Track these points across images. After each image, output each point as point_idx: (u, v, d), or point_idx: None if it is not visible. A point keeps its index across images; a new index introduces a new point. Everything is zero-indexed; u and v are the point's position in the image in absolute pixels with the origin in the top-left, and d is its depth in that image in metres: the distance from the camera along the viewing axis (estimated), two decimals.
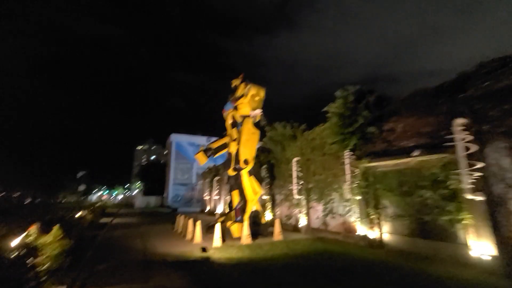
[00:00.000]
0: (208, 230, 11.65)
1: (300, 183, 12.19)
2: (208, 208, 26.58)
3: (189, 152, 41.92)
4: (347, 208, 9.82)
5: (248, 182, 11.72)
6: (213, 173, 25.77)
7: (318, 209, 11.42)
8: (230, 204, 13.06)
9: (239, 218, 11.50)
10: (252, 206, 11.47)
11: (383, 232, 8.44)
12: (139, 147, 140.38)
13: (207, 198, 27.07)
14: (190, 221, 11.30)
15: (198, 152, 13.57)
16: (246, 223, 10.08)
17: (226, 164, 13.08)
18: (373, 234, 8.59)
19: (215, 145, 13.71)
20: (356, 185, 8.98)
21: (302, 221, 12.01)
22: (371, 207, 8.68)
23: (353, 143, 8.45)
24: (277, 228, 10.55)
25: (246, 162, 11.80)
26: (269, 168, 14.91)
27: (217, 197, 23.99)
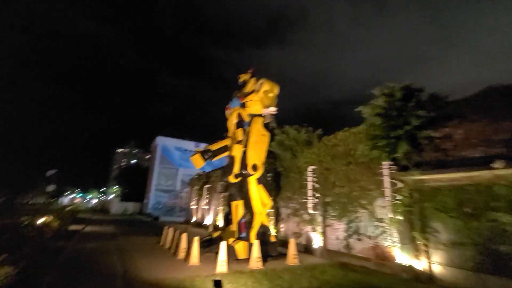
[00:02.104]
0: (201, 246, 9.64)
1: (316, 195, 10.44)
2: (194, 219, 24.14)
3: (175, 156, 39.36)
4: (380, 230, 8.13)
5: (257, 192, 9.85)
6: (202, 180, 23.54)
7: (338, 228, 9.66)
8: (227, 216, 11.07)
9: (243, 234, 9.54)
10: (260, 220, 9.56)
11: (432, 262, 6.79)
12: (119, 150, 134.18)
13: (194, 207, 24.66)
14: (184, 236, 9.19)
15: (195, 154, 11.61)
16: (256, 242, 8.14)
17: (227, 170, 11.17)
18: (419, 264, 6.91)
19: (214, 147, 11.79)
20: (398, 201, 7.34)
21: (317, 242, 10.18)
22: (417, 230, 7.05)
23: (403, 149, 6.85)
24: (292, 249, 8.66)
25: (254, 167, 9.97)
26: (274, 176, 13.10)
27: (206, 207, 21.72)
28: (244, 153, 10.43)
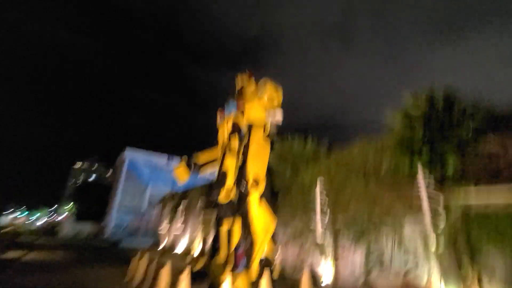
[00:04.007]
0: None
1: (326, 218, 8.95)
2: (163, 244, 21.15)
3: (144, 173, 35.77)
4: (413, 261, 6.78)
5: (259, 213, 8.12)
6: (177, 199, 21.02)
7: (354, 259, 8.17)
8: (214, 244, 9.09)
9: (241, 267, 7.61)
10: (263, 249, 7.76)
11: None
12: (77, 165, 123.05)
13: (164, 231, 21.73)
14: (167, 271, 7.03)
15: (179, 166, 9.75)
16: (266, 280, 6.30)
17: (217, 186, 9.38)
18: None
19: (202, 159, 10.04)
20: (440, 227, 6.10)
21: (326, 275, 8.53)
22: (466, 262, 5.81)
23: (454, 165, 5.74)
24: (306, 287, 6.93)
25: (256, 184, 8.30)
26: (270, 195, 11.43)
27: (179, 231, 19.07)
28: (242, 166, 8.79)
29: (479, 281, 5.66)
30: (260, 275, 7.15)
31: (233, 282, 6.92)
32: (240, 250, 7.79)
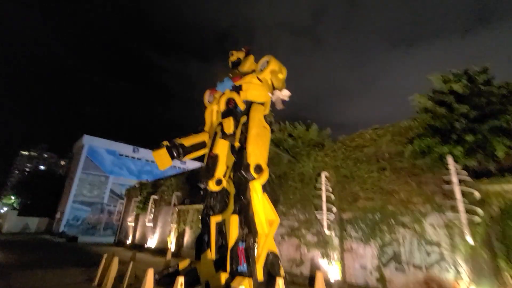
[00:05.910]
0: (161, 284, 6.51)
1: (333, 210, 8.07)
2: (130, 240, 19.03)
3: (105, 161, 32.28)
4: (435, 256, 6.16)
5: (261, 204, 6.95)
6: (147, 190, 18.96)
7: (363, 253, 7.41)
8: (203, 238, 7.79)
9: (243, 266, 6.41)
10: (267, 246, 6.63)
11: None
12: (24, 153, 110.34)
13: (130, 224, 19.56)
14: (150, 274, 5.57)
15: (159, 148, 8.14)
16: (281, 282, 5.18)
17: (205, 174, 8.02)
18: None
19: (187, 142, 8.55)
20: (476, 219, 5.49)
21: (333, 272, 7.69)
22: (502, 257, 5.27)
23: (503, 147, 5.07)
24: None
25: (258, 169, 7.08)
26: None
27: (150, 225, 17.17)
28: (240, 148, 7.56)
29: None
30: (268, 274, 6.06)
31: (237, 283, 5.70)
32: (242, 247, 6.58)
